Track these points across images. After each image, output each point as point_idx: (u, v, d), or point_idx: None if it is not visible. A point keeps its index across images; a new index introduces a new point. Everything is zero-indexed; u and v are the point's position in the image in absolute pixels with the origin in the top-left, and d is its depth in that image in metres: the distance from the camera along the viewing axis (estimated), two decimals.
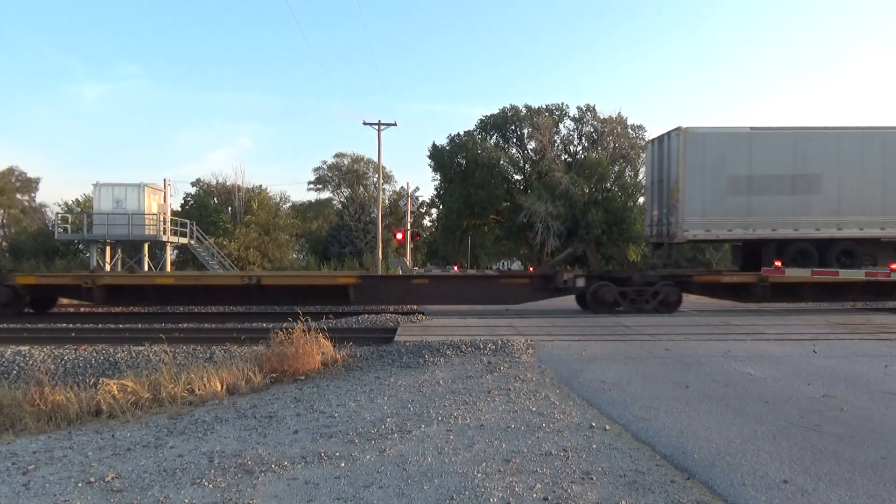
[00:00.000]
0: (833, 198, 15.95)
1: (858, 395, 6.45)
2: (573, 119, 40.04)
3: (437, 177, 41.38)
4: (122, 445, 5.39)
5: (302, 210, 62.52)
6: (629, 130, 38.68)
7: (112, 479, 4.38)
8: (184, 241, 33.29)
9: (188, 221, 34.28)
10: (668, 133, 16.71)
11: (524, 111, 39.14)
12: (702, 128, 16.26)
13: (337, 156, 66.02)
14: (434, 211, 42.57)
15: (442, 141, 42.07)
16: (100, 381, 7.80)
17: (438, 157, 39.87)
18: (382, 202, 42.30)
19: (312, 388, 7.76)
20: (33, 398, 7.11)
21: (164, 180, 34.53)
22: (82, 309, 16.80)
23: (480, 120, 40.32)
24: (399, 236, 36.91)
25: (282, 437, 5.39)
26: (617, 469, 4.32)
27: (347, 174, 64.31)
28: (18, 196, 56.93)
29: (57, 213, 39.90)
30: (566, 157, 39.31)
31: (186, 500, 3.91)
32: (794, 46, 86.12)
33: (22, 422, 6.75)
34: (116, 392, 7.25)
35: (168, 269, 34.63)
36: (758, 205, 16.03)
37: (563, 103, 39.57)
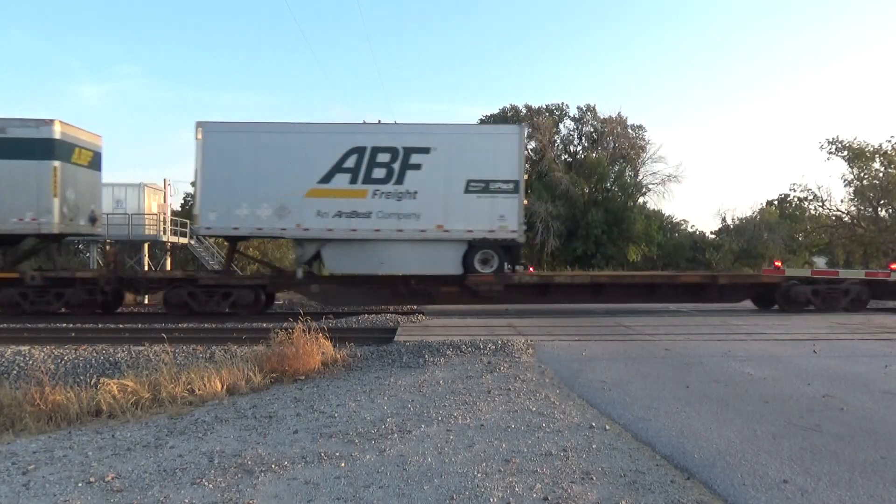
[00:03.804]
0: None
1: (858, 395, 6.45)
2: (573, 119, 40.11)
3: None
4: (122, 445, 5.39)
5: None
6: (629, 130, 38.74)
7: (112, 479, 4.38)
8: (184, 241, 33.29)
9: (188, 221, 34.28)
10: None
11: (524, 111, 39.16)
12: None
13: None
14: None
15: None
16: (100, 381, 7.78)
17: None
18: None
19: (312, 388, 7.76)
20: (33, 398, 7.10)
21: (164, 180, 34.58)
22: (82, 309, 16.78)
23: (480, 120, 40.33)
24: None
25: (282, 437, 5.39)
26: (617, 469, 4.32)
27: None
28: None
29: None
30: (566, 157, 39.36)
31: (186, 500, 3.91)
32: (795, 45, 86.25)
33: (22, 422, 6.73)
34: (116, 392, 7.24)
35: (168, 269, 34.63)
36: None
37: (563, 103, 39.65)
